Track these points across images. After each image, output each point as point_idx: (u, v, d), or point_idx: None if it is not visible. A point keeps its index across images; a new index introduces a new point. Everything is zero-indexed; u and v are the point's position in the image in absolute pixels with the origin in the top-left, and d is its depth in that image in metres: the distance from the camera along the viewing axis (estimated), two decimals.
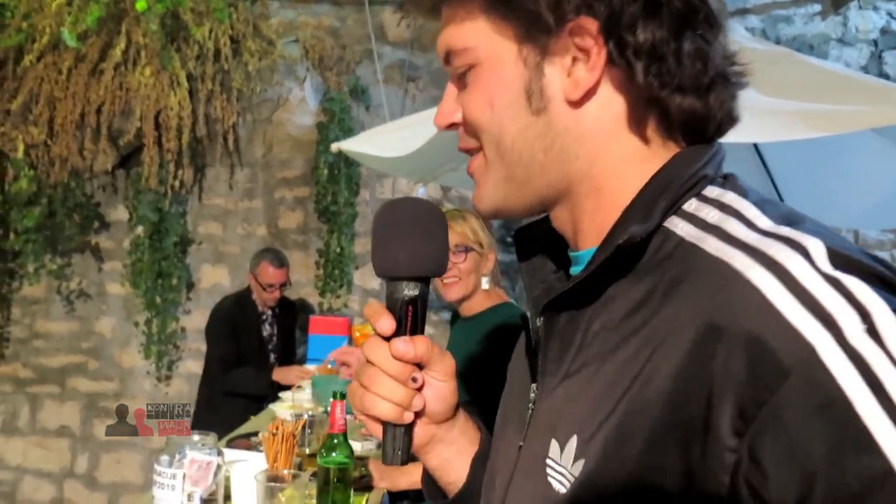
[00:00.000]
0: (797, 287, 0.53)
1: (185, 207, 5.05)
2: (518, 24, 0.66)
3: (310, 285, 5.02)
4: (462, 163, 3.92)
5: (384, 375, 0.77)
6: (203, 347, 4.75)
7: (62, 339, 5.11)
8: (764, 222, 0.60)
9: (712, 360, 0.53)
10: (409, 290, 0.77)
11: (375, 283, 5.08)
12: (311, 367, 4.01)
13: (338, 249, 4.91)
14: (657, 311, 0.59)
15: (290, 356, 4.42)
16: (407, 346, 0.76)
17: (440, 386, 0.81)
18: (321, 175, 4.87)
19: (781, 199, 4.40)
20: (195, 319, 4.98)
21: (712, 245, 0.59)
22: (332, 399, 2.15)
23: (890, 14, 4.78)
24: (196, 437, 2.18)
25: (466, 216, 2.56)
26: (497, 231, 4.84)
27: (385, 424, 0.79)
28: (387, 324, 0.76)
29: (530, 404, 0.74)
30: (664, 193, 0.65)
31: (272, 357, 4.31)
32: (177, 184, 4.84)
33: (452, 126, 0.76)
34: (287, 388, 3.86)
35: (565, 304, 0.69)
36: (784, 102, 2.66)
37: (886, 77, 4.66)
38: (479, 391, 2.21)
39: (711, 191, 0.65)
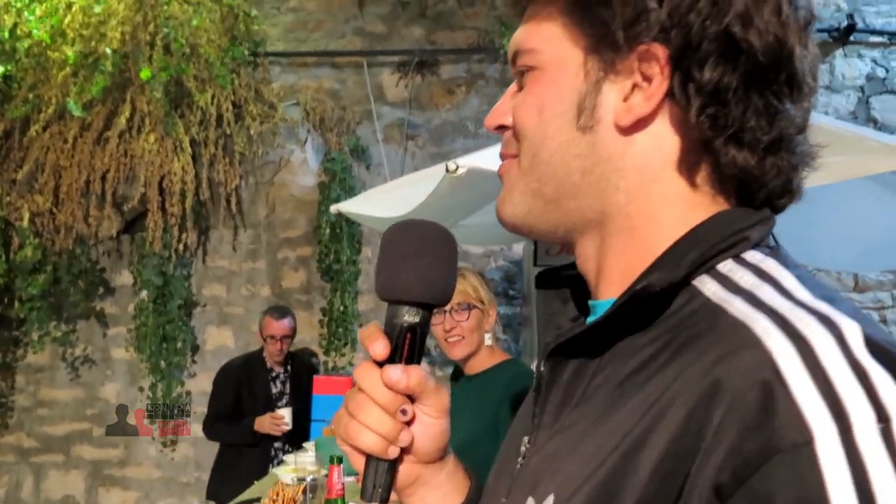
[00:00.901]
0: (817, 367, 0.47)
1: (190, 270, 5.08)
2: (591, 33, 0.63)
3: (314, 344, 5.03)
4: (462, 219, 3.97)
5: (372, 404, 0.70)
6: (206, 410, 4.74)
7: (67, 407, 5.08)
8: (802, 294, 0.55)
9: (708, 423, 0.49)
10: (410, 317, 0.71)
11: None
12: (283, 411, 4.08)
13: (341, 308, 4.93)
14: (663, 369, 0.55)
15: (308, 413, 4.39)
16: (400, 374, 0.69)
17: (431, 423, 0.73)
18: (323, 234, 4.91)
19: (777, 244, 4.44)
20: (200, 383, 4.97)
21: (737, 307, 0.55)
22: (329, 463, 2.15)
23: (874, 61, 4.89)
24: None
25: (466, 274, 2.56)
26: (500, 284, 4.87)
27: (368, 457, 0.72)
28: (381, 347, 0.69)
29: (520, 458, 0.70)
30: (696, 247, 0.60)
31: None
32: (181, 247, 4.89)
33: (501, 128, 0.71)
34: (298, 447, 3.85)
35: (573, 351, 0.66)
36: None
37: (874, 121, 4.75)
38: (487, 450, 2.21)
39: (752, 255, 0.60)
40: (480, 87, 5.11)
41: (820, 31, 4.89)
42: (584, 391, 0.64)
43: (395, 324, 0.71)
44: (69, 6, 4.82)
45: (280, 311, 4.36)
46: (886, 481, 0.43)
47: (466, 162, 2.60)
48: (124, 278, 5.09)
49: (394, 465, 0.73)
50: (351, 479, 3.10)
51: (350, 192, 4.91)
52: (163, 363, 4.87)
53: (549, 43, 0.65)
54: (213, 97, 4.86)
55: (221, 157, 4.87)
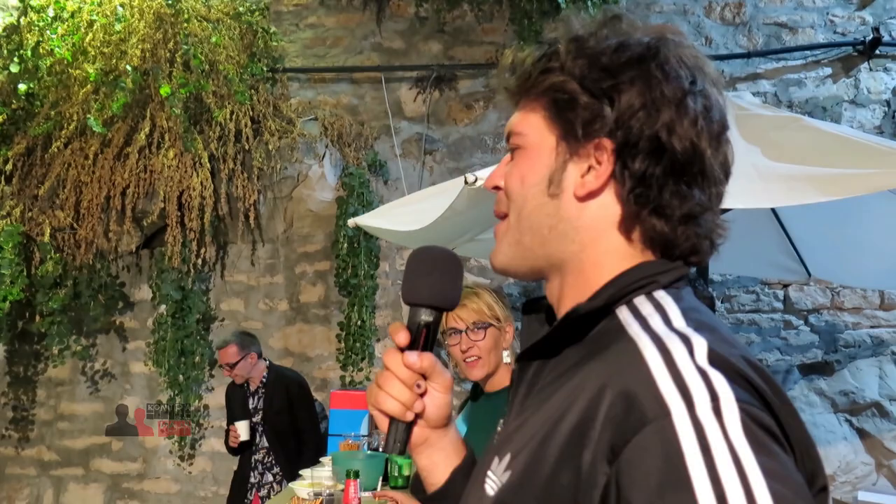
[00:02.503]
0: (674, 368, 0.71)
1: (208, 285, 5.11)
2: (562, 126, 0.86)
3: (331, 359, 5.02)
4: (479, 234, 3.95)
5: (395, 379, 0.95)
6: (225, 425, 4.76)
7: (87, 420, 5.12)
8: (678, 322, 0.78)
9: (600, 406, 0.72)
10: (426, 316, 0.97)
11: None
12: (239, 424, 4.29)
13: (359, 322, 4.92)
14: (581, 369, 0.80)
15: (286, 425, 4.40)
16: (416, 358, 0.95)
17: (438, 396, 0.99)
18: (341, 249, 4.91)
19: (803, 263, 4.37)
20: (218, 397, 4.98)
21: (634, 330, 0.79)
22: (346, 478, 2.13)
23: None
24: None
25: (480, 292, 2.52)
26: (518, 299, 4.84)
27: (391, 420, 0.97)
28: (403, 337, 0.96)
29: (494, 439, 0.95)
30: (616, 285, 0.83)
31: (258, 428, 4.40)
32: (199, 262, 4.91)
33: (497, 188, 0.95)
34: (315, 462, 3.84)
35: (534, 356, 0.90)
36: (793, 167, 2.67)
37: None
38: None
39: (658, 294, 0.83)
40: (498, 102, 5.08)
41: (844, 44, 4.82)
42: (539, 385, 0.88)
43: (414, 321, 0.98)
44: (90, 24, 4.88)
45: (224, 340, 4.46)
46: (716, 437, 0.66)
47: (485, 174, 2.57)
48: (143, 293, 5.13)
49: (409, 426, 0.98)
50: (367, 494, 3.08)
51: (368, 206, 4.90)
52: (181, 377, 4.89)
53: (533, 129, 0.89)
54: (231, 113, 4.89)
55: (240, 173, 4.89)
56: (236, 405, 4.46)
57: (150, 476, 5.02)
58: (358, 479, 2.19)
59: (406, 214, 3.53)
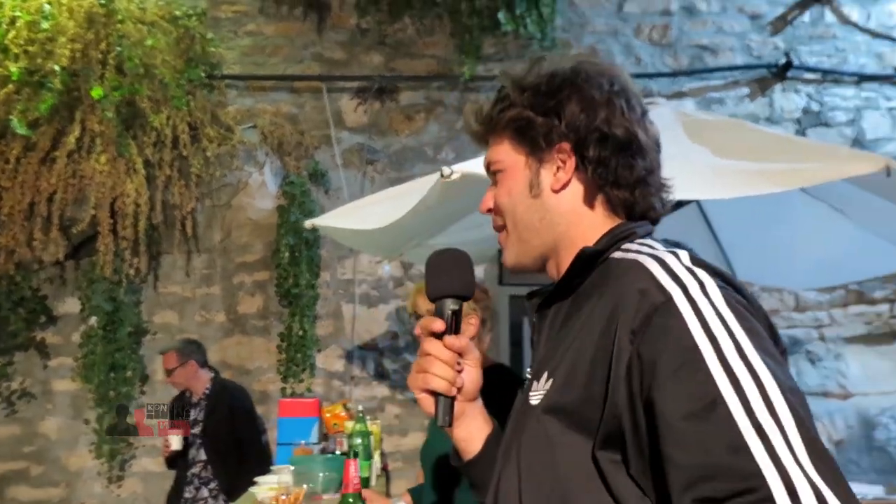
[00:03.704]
0: (668, 268, 0.96)
1: (140, 297, 4.88)
2: (527, 146, 1.13)
3: (271, 371, 4.89)
4: (427, 240, 4.00)
5: (439, 361, 1.13)
6: (157, 443, 4.55)
7: (2, 445, 4.75)
8: (658, 247, 1.04)
9: (620, 307, 0.95)
10: (453, 305, 1.16)
11: (339, 365, 5.00)
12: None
13: (300, 332, 4.83)
14: (595, 293, 1.03)
15: (227, 438, 4.27)
16: (456, 340, 1.14)
17: (471, 371, 1.18)
18: (282, 258, 4.83)
19: (729, 264, 4.65)
20: None
21: (631, 256, 1.04)
22: (345, 458, 2.14)
23: (810, 96, 5.24)
24: None
25: None
26: None
27: (437, 397, 1.13)
28: (440, 325, 1.14)
29: (528, 373, 1.16)
30: (608, 237, 1.09)
31: (196, 441, 4.26)
32: (132, 272, 4.69)
33: (490, 210, 1.20)
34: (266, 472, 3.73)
35: (550, 301, 1.14)
36: (743, 163, 2.88)
37: None
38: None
39: (638, 240, 1.08)
40: (440, 114, 5.17)
41: (759, 67, 5.21)
42: (559, 321, 1.10)
43: (443, 311, 1.16)
44: (13, 21, 4.62)
45: (167, 346, 4.41)
46: (707, 309, 0.90)
47: (460, 167, 2.65)
48: (69, 306, 4.84)
49: (453, 401, 1.15)
50: (335, 495, 3.03)
51: (309, 215, 4.84)
52: (111, 393, 4.63)
53: (506, 155, 1.16)
54: (168, 118, 4.74)
55: (177, 180, 4.74)
56: (177, 417, 4.27)
57: (73, 502, 4.70)
58: (357, 459, 2.19)
59: (368, 215, 3.53)
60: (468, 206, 3.37)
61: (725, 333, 0.87)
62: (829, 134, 5.15)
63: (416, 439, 4.89)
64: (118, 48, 4.64)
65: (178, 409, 4.29)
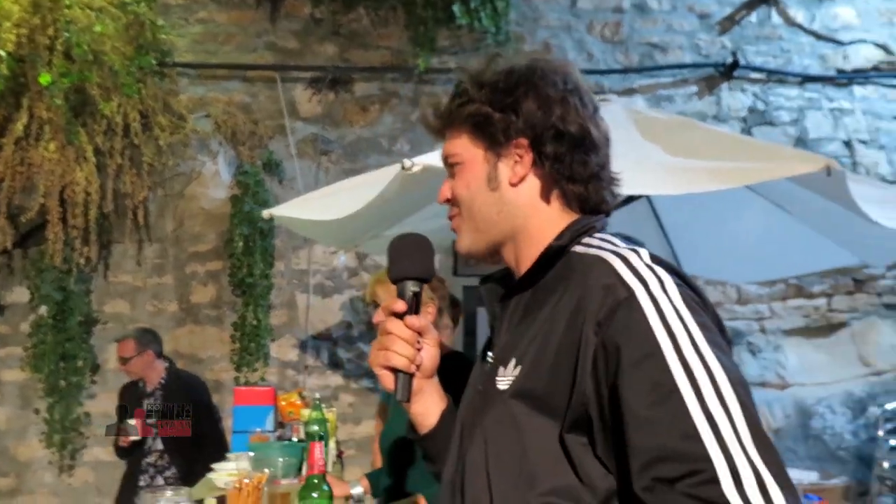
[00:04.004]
0: (630, 266, 1.03)
1: (90, 286, 4.84)
2: (485, 140, 1.17)
3: (224, 360, 4.91)
4: (383, 231, 4.05)
5: (400, 339, 1.20)
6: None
7: None
8: (619, 244, 1.10)
9: (585, 301, 1.01)
10: (414, 287, 1.22)
11: (293, 354, 5.04)
12: (131, 422, 4.03)
13: (254, 322, 4.85)
14: (560, 287, 1.09)
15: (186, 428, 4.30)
16: (416, 320, 1.21)
17: (430, 349, 1.24)
18: (236, 248, 4.83)
19: (677, 259, 4.80)
20: (101, 403, 4.74)
21: (593, 252, 1.09)
22: (310, 440, 2.21)
23: (755, 95, 5.39)
24: (170, 493, 2.16)
25: None
26: None
27: (397, 373, 1.20)
28: (401, 305, 1.21)
29: (489, 361, 1.19)
30: (570, 232, 1.14)
31: (153, 430, 4.18)
32: (82, 261, 4.65)
33: (447, 201, 1.23)
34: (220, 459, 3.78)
35: (514, 292, 1.19)
36: (689, 161, 2.99)
37: None
38: None
39: (598, 235, 1.14)
40: (394, 106, 5.19)
41: (707, 65, 5.34)
42: (524, 309, 1.15)
43: (405, 293, 1.22)
44: None
45: (124, 334, 4.36)
46: (665, 304, 0.97)
47: (421, 160, 2.71)
48: (15, 295, 4.79)
49: (412, 377, 1.22)
50: (294, 480, 3.10)
51: (263, 205, 4.85)
52: (62, 383, 4.61)
53: (464, 149, 1.19)
54: (119, 106, 4.68)
55: (128, 169, 4.70)
56: (129, 403, 4.27)
57: (23, 491, 4.68)
58: (322, 442, 2.25)
59: (326, 205, 3.56)
60: (425, 197, 3.43)
61: (682, 328, 0.95)
62: (773, 133, 5.31)
63: (369, 427, 4.96)
64: (66, 34, 4.56)
65: (133, 397, 4.30)
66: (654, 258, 1.05)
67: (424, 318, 1.23)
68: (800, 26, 5.43)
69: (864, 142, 5.50)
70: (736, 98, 5.33)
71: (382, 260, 5.01)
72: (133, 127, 4.68)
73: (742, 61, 5.27)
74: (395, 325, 1.20)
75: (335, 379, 5.07)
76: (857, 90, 5.52)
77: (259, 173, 4.98)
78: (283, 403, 4.50)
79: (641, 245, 1.10)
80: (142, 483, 4.25)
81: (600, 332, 0.98)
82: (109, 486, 4.60)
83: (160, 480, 4.24)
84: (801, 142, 5.36)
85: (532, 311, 1.13)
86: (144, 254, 4.93)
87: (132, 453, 4.29)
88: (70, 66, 4.54)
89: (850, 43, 5.48)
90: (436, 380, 1.30)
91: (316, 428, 3.38)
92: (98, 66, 4.65)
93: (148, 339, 4.28)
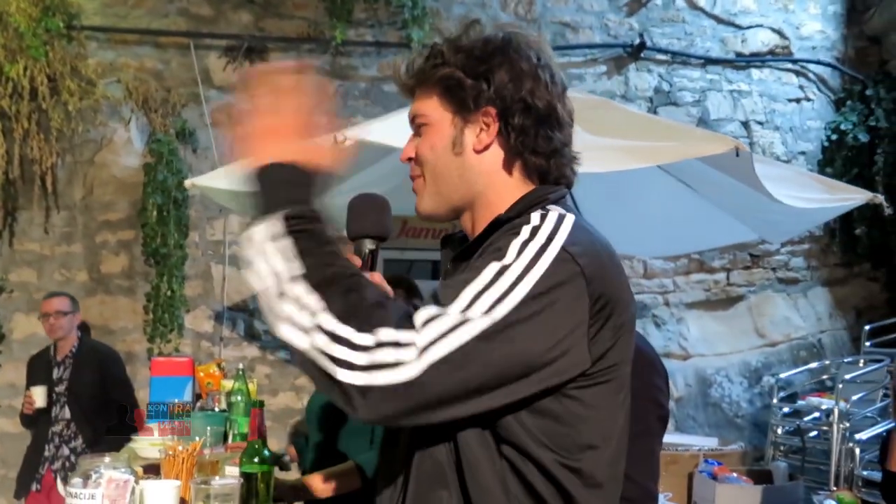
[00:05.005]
0: (543, 218, 1.07)
1: None
2: (455, 105, 1.18)
3: (137, 331, 4.86)
4: None
5: None
6: (14, 403, 4.46)
7: None
8: (555, 208, 1.13)
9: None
10: (370, 245, 1.28)
11: (208, 325, 5.02)
12: (35, 389, 4.08)
13: (168, 293, 4.81)
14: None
15: (95, 399, 4.25)
16: (373, 276, 1.24)
17: None
18: (150, 217, 4.77)
19: (568, 203, 4.94)
20: (6, 374, 4.64)
21: (532, 217, 1.10)
22: (252, 407, 2.23)
23: (661, 76, 5.63)
24: (108, 458, 2.16)
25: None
26: None
27: None
28: (357, 262, 1.23)
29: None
30: (523, 203, 1.16)
31: (61, 399, 4.18)
32: None
33: (410, 160, 1.26)
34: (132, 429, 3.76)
35: (461, 258, 1.21)
36: (613, 140, 3.15)
37: None
38: None
39: (550, 207, 1.15)
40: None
41: (616, 46, 5.54)
42: (465, 268, 1.16)
43: (361, 250, 1.27)
44: None
45: (53, 293, 4.30)
46: (531, 249, 1.04)
47: (353, 133, 2.76)
48: None
49: None
50: (219, 449, 3.13)
51: (177, 174, 4.81)
52: None
53: (433, 110, 1.21)
54: (25, 69, 4.56)
55: (36, 133, 4.58)
56: (37, 372, 4.19)
57: None
58: (263, 409, 2.30)
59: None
60: (349, 171, 3.49)
61: (514, 277, 1.01)
62: (677, 113, 5.56)
63: (286, 399, 5.01)
64: None
65: (42, 366, 4.22)
66: (583, 228, 1.10)
67: (378, 275, 1.29)
68: (702, 10, 5.69)
69: (760, 123, 5.81)
70: (643, 78, 5.55)
71: None
72: (41, 91, 4.57)
73: (648, 42, 5.49)
74: None
75: (251, 350, 5.08)
76: (755, 73, 5.83)
77: (172, 142, 4.92)
78: (202, 374, 4.48)
79: (582, 219, 1.15)
80: (47, 453, 4.18)
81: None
82: (14, 457, 4.51)
83: (65, 450, 4.18)
84: (703, 122, 5.63)
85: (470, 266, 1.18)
86: (52, 221, 4.82)
87: (37, 422, 4.21)
88: None
89: (749, 27, 5.78)
90: None
91: (239, 398, 3.41)
92: (3, 27, 4.52)
93: (77, 304, 4.22)
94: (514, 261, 1.02)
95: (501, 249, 1.04)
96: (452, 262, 1.24)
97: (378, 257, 1.28)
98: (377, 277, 1.27)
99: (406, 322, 0.98)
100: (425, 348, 0.96)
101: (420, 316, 0.99)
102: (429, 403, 0.98)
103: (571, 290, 1.02)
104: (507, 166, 1.19)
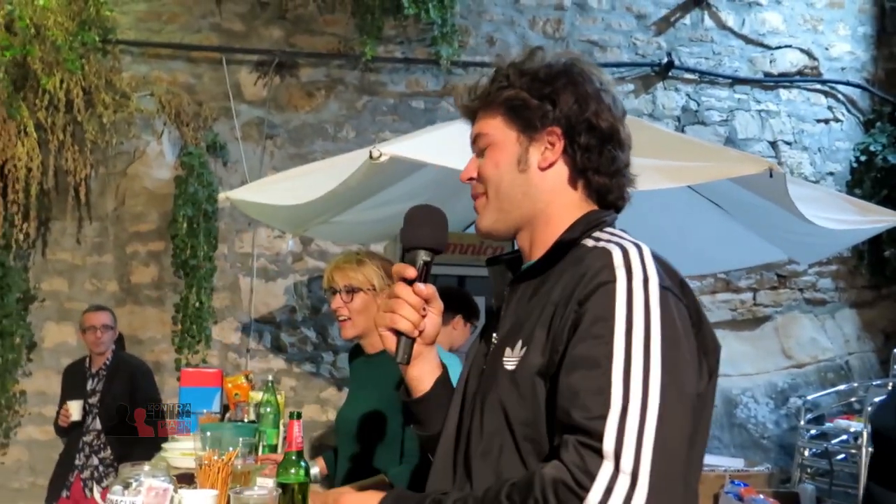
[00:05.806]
0: (626, 257, 1.09)
1: (27, 263, 4.78)
2: (520, 124, 1.23)
3: (165, 341, 4.90)
4: (332, 217, 4.11)
5: (407, 304, 1.25)
6: (44, 411, 4.51)
7: None
8: (626, 237, 1.17)
9: (579, 286, 1.09)
10: (425, 256, 1.27)
11: (235, 337, 5.06)
12: (72, 403, 4.10)
13: (196, 304, 4.85)
14: (566, 274, 1.15)
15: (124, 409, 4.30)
16: (425, 288, 1.26)
17: (434, 318, 1.30)
18: (180, 229, 4.82)
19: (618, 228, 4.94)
20: (37, 381, 4.69)
21: (600, 245, 1.16)
22: (289, 419, 2.24)
23: (689, 95, 5.64)
24: (147, 467, 2.18)
25: (364, 261, 2.67)
26: None
27: (400, 336, 1.26)
28: (412, 272, 1.26)
29: (493, 341, 1.26)
30: (582, 225, 1.21)
31: (93, 410, 4.22)
32: (21, 237, 4.59)
33: (471, 179, 1.30)
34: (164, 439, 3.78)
35: (523, 279, 1.26)
36: (637, 159, 3.15)
37: None
38: (392, 421, 2.43)
39: (608, 229, 1.21)
40: (340, 93, 5.26)
41: (644, 65, 5.56)
42: (531, 295, 1.22)
43: (415, 261, 1.27)
44: None
45: (98, 306, 4.39)
46: (639, 299, 1.05)
47: (386, 148, 2.77)
48: None
49: (413, 342, 1.27)
50: (249, 460, 3.13)
51: (207, 187, 4.87)
52: None
53: (498, 130, 1.26)
54: (61, 82, 4.64)
55: (70, 145, 4.65)
56: (73, 384, 4.24)
57: None
58: (301, 420, 2.30)
59: (286, 191, 3.61)
60: (378, 185, 3.51)
61: (642, 325, 1.04)
62: (704, 132, 5.56)
63: (310, 411, 5.02)
64: (8, 6, 4.52)
65: (78, 377, 4.25)
66: (656, 256, 1.12)
67: (432, 287, 1.29)
68: (731, 30, 5.70)
69: (788, 143, 5.80)
70: (670, 97, 5.56)
71: (327, 246, 5.09)
72: (76, 103, 4.65)
73: (676, 62, 5.50)
74: (403, 290, 1.26)
75: (277, 362, 5.11)
76: (783, 93, 5.82)
77: (203, 155, 4.98)
78: (230, 385, 4.52)
79: (648, 246, 1.18)
80: (77, 462, 4.22)
81: (579, 309, 1.07)
82: (44, 465, 4.56)
83: (94, 461, 4.23)
84: (730, 141, 5.62)
85: (539, 296, 1.20)
86: (84, 232, 4.89)
87: (71, 433, 4.26)
88: (12, 39, 4.49)
89: (777, 48, 5.79)
90: (435, 348, 1.36)
91: (269, 410, 3.42)
92: (40, 41, 4.61)
93: (115, 318, 4.30)
94: (628, 326, 1.04)
95: (608, 319, 1.05)
96: (512, 283, 1.28)
97: (431, 270, 1.29)
98: (431, 290, 1.28)
99: (588, 463, 1.00)
100: (632, 472, 0.98)
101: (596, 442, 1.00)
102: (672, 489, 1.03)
103: (684, 321, 1.09)
104: (571, 184, 1.23)
